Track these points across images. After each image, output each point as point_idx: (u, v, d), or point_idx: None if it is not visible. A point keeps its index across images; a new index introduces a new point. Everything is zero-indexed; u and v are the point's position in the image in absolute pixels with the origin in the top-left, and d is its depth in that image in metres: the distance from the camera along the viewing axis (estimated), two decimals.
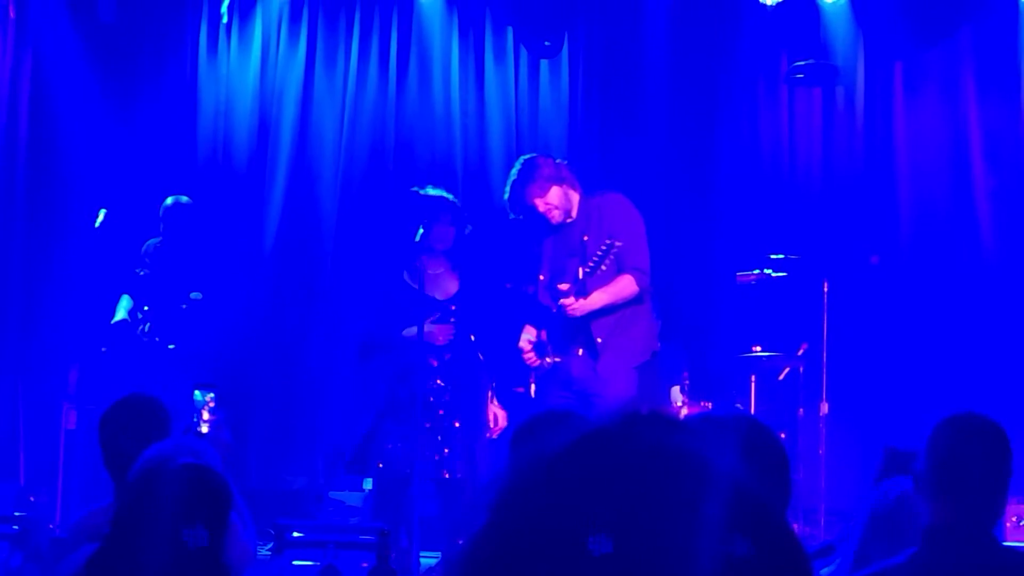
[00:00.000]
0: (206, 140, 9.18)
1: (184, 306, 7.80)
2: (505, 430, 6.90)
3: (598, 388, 6.52)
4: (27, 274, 8.78)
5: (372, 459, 7.11)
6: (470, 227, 7.27)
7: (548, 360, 6.69)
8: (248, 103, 9.22)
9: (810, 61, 8.47)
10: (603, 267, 6.54)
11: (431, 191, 7.16)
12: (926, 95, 8.66)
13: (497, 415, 7.03)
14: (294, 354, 8.97)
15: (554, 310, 6.63)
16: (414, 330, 6.92)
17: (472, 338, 7.08)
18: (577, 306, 6.53)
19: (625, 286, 6.61)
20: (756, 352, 7.64)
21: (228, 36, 9.29)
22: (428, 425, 6.82)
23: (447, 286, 7.10)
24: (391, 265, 7.32)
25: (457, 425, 6.99)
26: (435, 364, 6.94)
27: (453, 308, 7.07)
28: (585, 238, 6.63)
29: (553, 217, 6.73)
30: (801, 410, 7.66)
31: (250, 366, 8.87)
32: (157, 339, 7.75)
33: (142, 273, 7.92)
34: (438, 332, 6.88)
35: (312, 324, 9.01)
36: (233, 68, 9.27)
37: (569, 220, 6.76)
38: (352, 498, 8.25)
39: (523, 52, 9.19)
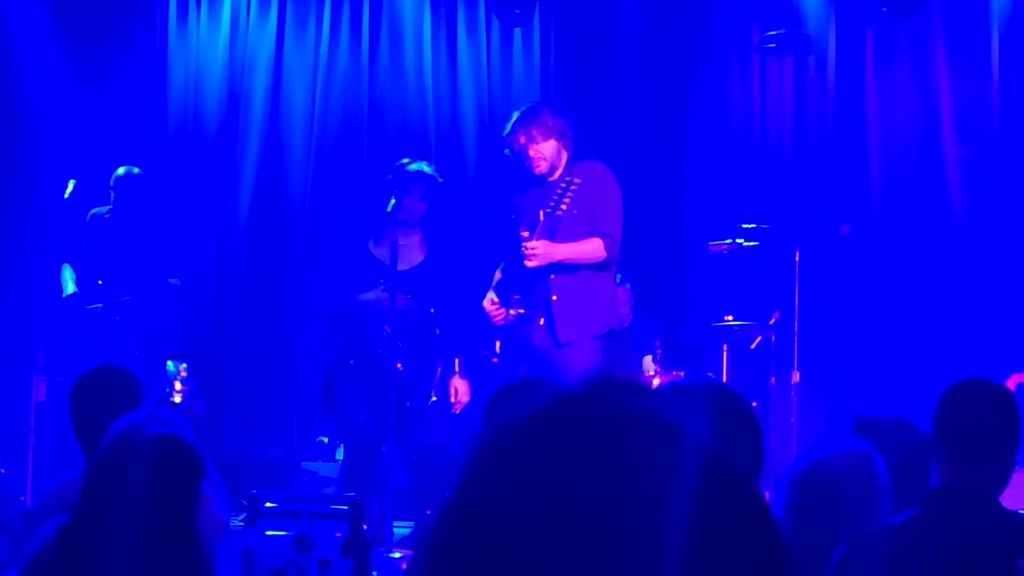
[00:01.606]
0: (176, 110, 9.12)
1: (138, 295, 7.70)
2: (472, 400, 6.86)
3: (558, 358, 6.37)
4: None
5: (337, 418, 7.14)
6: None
7: (512, 312, 6.51)
8: (219, 72, 9.15)
9: (782, 31, 8.45)
10: (563, 207, 6.35)
11: (417, 166, 7.11)
12: (898, 65, 8.68)
13: (458, 388, 6.96)
14: (268, 324, 8.94)
15: (519, 258, 6.41)
16: (372, 295, 6.91)
17: (432, 311, 7.03)
18: (538, 247, 6.35)
19: (593, 248, 6.44)
20: (728, 321, 7.65)
21: (198, 4, 9.21)
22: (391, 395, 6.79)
23: (412, 257, 7.06)
24: (360, 234, 7.29)
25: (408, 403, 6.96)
26: (388, 329, 6.86)
27: (412, 279, 7.02)
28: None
29: (538, 167, 6.54)
30: (773, 379, 7.68)
31: (224, 337, 8.84)
32: (118, 318, 7.67)
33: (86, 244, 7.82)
34: (385, 300, 6.83)
35: (285, 294, 8.99)
36: (203, 37, 9.19)
37: (551, 178, 6.64)
38: (325, 468, 8.26)
39: (495, 21, 9.15)
